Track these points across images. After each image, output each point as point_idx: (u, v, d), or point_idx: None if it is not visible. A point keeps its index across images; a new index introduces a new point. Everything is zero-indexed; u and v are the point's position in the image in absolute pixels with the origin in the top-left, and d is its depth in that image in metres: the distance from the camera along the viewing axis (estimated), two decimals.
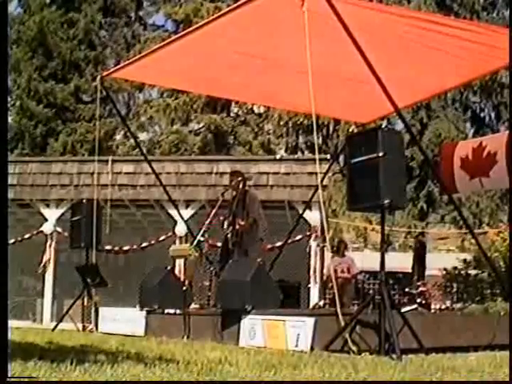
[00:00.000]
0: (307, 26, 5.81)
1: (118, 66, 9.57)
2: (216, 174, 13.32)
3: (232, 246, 8.22)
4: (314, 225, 12.47)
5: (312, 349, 5.46)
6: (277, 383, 3.28)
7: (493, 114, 20.61)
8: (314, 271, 12.58)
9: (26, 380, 2.83)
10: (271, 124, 23.24)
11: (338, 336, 5.46)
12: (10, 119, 23.39)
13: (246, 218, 8.18)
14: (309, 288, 12.38)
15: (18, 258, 13.55)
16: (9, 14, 22.68)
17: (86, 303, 9.54)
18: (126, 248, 14.15)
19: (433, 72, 7.65)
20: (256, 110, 23.81)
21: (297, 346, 5.63)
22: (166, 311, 7.80)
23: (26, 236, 14.09)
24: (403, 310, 6.26)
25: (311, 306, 11.52)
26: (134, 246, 14.11)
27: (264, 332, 6.12)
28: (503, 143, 8.58)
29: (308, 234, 12.57)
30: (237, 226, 8.18)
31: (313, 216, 12.29)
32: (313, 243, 12.62)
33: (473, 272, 15.07)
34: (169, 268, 8.65)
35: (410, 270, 20.78)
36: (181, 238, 12.82)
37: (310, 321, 5.66)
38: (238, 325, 6.51)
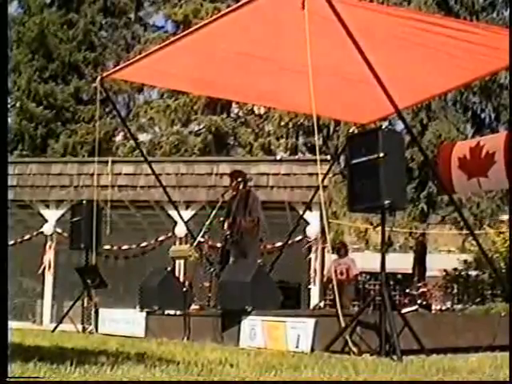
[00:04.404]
0: (308, 26, 5.80)
1: (118, 67, 9.56)
2: (216, 175, 13.32)
3: (231, 245, 8.20)
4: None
5: (312, 350, 5.45)
6: None
7: (493, 115, 20.60)
8: (315, 272, 12.57)
9: (26, 380, 2.82)
10: (271, 125, 23.24)
11: (339, 337, 5.45)
12: (9, 120, 23.39)
13: (248, 217, 8.17)
14: (309, 289, 12.37)
15: (18, 259, 13.55)
16: (9, 15, 22.69)
17: (85, 304, 9.54)
18: (125, 247, 14.13)
19: (433, 73, 7.65)
20: (256, 111, 23.82)
21: (297, 347, 5.63)
22: (166, 312, 7.79)
23: (26, 237, 14.09)
24: (404, 310, 6.27)
25: (311, 306, 11.51)
26: (133, 246, 14.09)
27: (264, 333, 6.11)
28: (501, 143, 8.56)
29: (308, 239, 12.55)
30: (237, 223, 8.16)
31: (313, 217, 12.29)
32: (313, 244, 12.62)
33: (473, 273, 15.08)
34: (169, 269, 8.63)
35: (410, 271, 20.77)
36: (181, 239, 12.82)
37: (311, 322, 5.66)
38: (238, 326, 6.50)
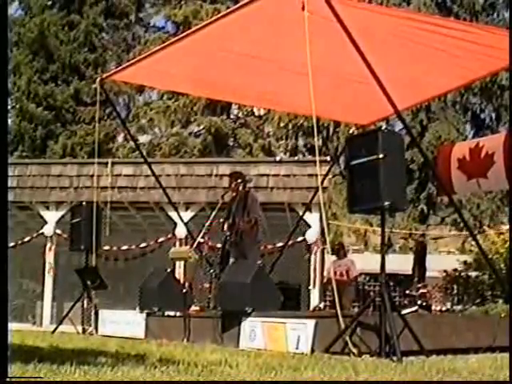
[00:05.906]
0: (307, 28, 5.80)
1: (118, 69, 9.56)
2: (216, 176, 13.32)
3: (230, 246, 8.20)
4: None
5: (312, 351, 5.45)
6: None
7: (493, 116, 20.58)
8: (315, 273, 12.57)
9: (26, 381, 2.82)
10: (271, 126, 23.24)
11: (339, 338, 5.45)
12: (9, 121, 23.38)
13: (246, 218, 8.16)
14: (309, 290, 12.37)
15: (18, 261, 13.55)
16: (9, 16, 22.71)
17: (85, 306, 9.54)
18: (125, 248, 14.12)
19: (433, 73, 7.65)
20: (256, 112, 23.82)
21: (297, 348, 5.62)
22: (166, 313, 7.79)
23: (26, 239, 14.08)
24: (404, 311, 6.26)
25: (311, 308, 11.51)
26: (133, 247, 14.08)
27: (264, 334, 6.11)
28: (500, 144, 8.56)
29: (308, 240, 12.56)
30: (236, 224, 8.15)
31: (313, 218, 12.29)
32: (313, 245, 12.63)
33: (473, 274, 15.09)
34: (169, 270, 8.64)
35: (410, 272, 20.77)
36: (181, 240, 12.81)
37: (311, 323, 5.65)
38: (238, 327, 6.49)
